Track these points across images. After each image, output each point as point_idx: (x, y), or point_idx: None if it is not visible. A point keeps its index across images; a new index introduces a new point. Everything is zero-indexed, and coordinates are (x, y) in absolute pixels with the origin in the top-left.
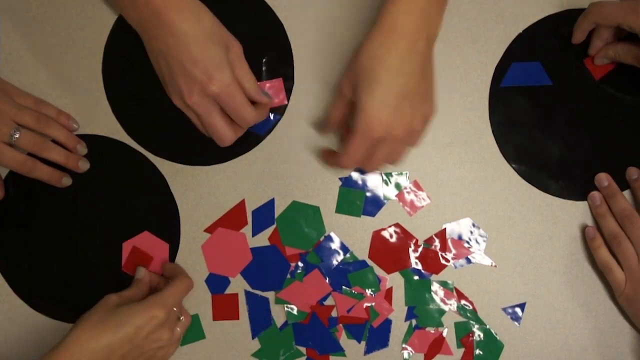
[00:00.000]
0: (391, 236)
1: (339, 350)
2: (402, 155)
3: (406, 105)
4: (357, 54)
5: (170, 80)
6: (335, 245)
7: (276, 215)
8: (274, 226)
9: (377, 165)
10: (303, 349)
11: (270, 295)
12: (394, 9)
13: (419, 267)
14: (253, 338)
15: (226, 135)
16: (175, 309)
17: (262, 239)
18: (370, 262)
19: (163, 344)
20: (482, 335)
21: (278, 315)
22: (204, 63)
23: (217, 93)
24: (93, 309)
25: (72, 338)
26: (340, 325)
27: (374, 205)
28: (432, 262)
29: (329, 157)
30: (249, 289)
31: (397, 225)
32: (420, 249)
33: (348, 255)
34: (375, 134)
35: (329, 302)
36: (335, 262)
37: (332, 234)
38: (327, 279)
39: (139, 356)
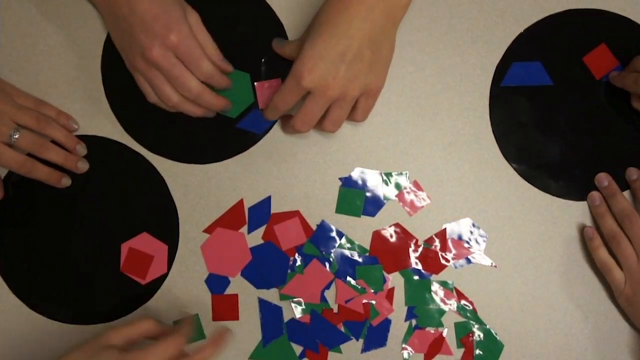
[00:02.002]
0: (391, 236)
1: (346, 340)
2: (335, 118)
3: (342, 67)
4: (319, 9)
5: (130, 41)
6: (330, 232)
7: None
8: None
9: (303, 121)
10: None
11: (275, 298)
12: None
13: (419, 267)
14: (264, 346)
15: (192, 82)
16: None
17: (257, 237)
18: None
19: None
20: (482, 335)
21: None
22: (165, 17)
23: (176, 43)
24: (87, 342)
25: None
26: (341, 323)
27: (374, 205)
28: (432, 262)
29: (268, 109)
30: (251, 289)
31: (397, 225)
32: (420, 249)
33: (344, 240)
34: (303, 82)
35: (332, 290)
36: (332, 249)
37: (325, 222)
38: (329, 265)
39: None
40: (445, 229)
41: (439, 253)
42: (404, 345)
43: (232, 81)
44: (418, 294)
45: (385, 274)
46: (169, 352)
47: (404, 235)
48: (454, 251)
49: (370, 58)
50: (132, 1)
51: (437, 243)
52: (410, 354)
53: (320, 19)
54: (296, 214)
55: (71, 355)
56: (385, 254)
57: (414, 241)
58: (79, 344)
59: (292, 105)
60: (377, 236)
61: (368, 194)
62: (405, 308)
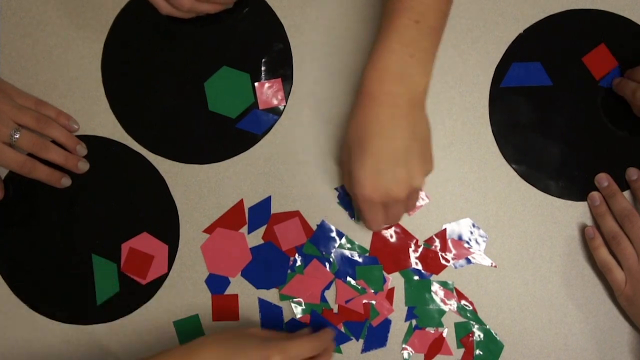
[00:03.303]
0: (391, 236)
1: (346, 340)
2: (412, 207)
3: (401, 168)
4: (347, 127)
5: None
6: (330, 232)
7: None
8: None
9: (395, 221)
10: None
11: (275, 298)
12: (370, 75)
13: (419, 267)
14: None
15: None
16: None
17: (258, 237)
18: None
19: None
20: (482, 336)
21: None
22: None
23: None
24: (229, 329)
25: (197, 344)
26: (341, 323)
27: None
28: (432, 262)
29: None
30: (251, 289)
31: (397, 225)
32: (420, 249)
33: (344, 240)
34: (375, 200)
35: (332, 290)
36: (332, 249)
37: (325, 222)
38: (329, 266)
39: None
40: (445, 229)
41: (439, 253)
42: (404, 346)
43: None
44: (418, 294)
45: (385, 274)
46: (306, 349)
47: (404, 235)
48: (454, 251)
49: (418, 147)
50: None
51: (437, 243)
52: (411, 354)
53: (353, 140)
54: (296, 214)
55: (215, 337)
56: (385, 254)
57: (414, 241)
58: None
59: (384, 219)
60: (377, 236)
61: None
62: (405, 308)
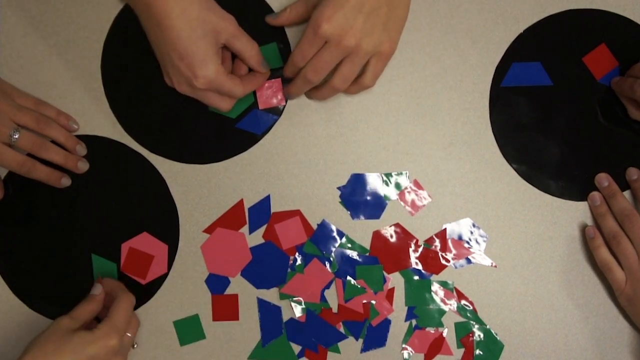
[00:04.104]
0: (391, 236)
1: (343, 338)
2: (345, 74)
3: (359, 19)
4: None
5: (163, 65)
6: (331, 232)
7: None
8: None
9: (315, 70)
10: (297, 349)
11: (275, 298)
12: None
13: (419, 267)
14: (263, 346)
15: (223, 105)
16: (129, 334)
17: (259, 236)
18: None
19: None
20: (482, 335)
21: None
22: (188, 59)
23: (203, 89)
24: (45, 334)
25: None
26: (340, 322)
27: (377, 207)
28: (432, 262)
29: (287, 66)
30: (251, 289)
31: (397, 225)
32: (420, 249)
33: (344, 239)
34: (321, 29)
35: (332, 290)
36: (333, 248)
37: (326, 221)
38: (329, 265)
39: None
40: (445, 229)
41: (439, 253)
42: (404, 346)
43: (267, 73)
44: (418, 294)
45: (385, 274)
46: (127, 308)
47: (404, 235)
48: (454, 251)
49: (387, 15)
50: (158, 31)
51: (437, 243)
52: (411, 354)
53: None
54: (297, 213)
55: (36, 348)
56: (386, 254)
57: (414, 241)
58: (35, 338)
59: (309, 58)
60: (377, 236)
61: (369, 198)
62: (406, 308)
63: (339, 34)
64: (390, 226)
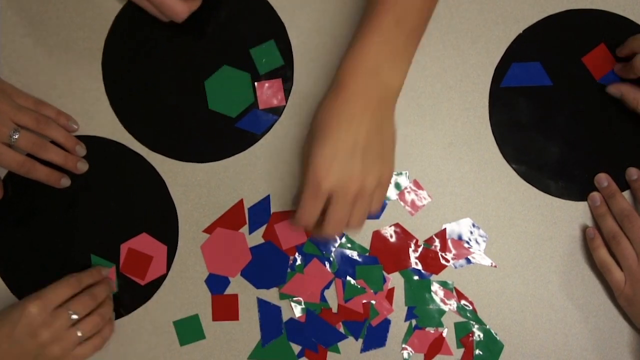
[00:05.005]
0: (391, 236)
1: (343, 338)
2: (359, 217)
3: (357, 162)
4: (315, 111)
5: None
6: None
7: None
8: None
9: (334, 226)
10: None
11: (275, 298)
12: (346, 67)
13: (419, 267)
14: (263, 346)
15: (176, 7)
16: (70, 312)
17: (259, 237)
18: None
19: (44, 341)
20: (482, 335)
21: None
22: None
23: None
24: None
25: None
26: (340, 322)
27: None
28: (432, 262)
29: (291, 217)
30: (251, 289)
31: (397, 225)
32: (420, 249)
33: (344, 239)
34: (323, 186)
35: (332, 290)
36: (333, 248)
37: None
38: (329, 265)
39: (22, 354)
40: (445, 229)
41: (439, 253)
42: (404, 345)
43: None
44: (418, 294)
45: (385, 274)
46: (63, 289)
47: (404, 235)
48: (454, 251)
49: (379, 147)
50: None
51: (437, 243)
52: (410, 354)
53: (319, 125)
54: None
55: None
56: (385, 254)
57: (414, 241)
58: None
59: (317, 216)
60: (377, 236)
61: None
62: (405, 308)
63: (342, 185)
64: (390, 226)
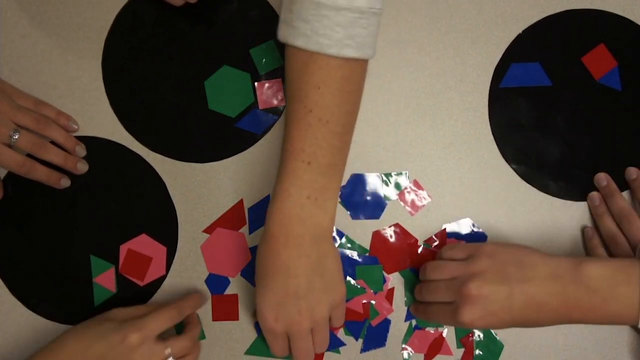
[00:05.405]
0: (391, 236)
1: (341, 345)
2: (321, 343)
3: (302, 303)
4: (256, 257)
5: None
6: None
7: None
8: None
9: (303, 357)
10: None
11: None
12: (272, 217)
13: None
14: (262, 341)
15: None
16: (167, 347)
17: (259, 237)
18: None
19: None
20: (482, 335)
21: None
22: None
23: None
24: (94, 318)
25: (61, 337)
26: None
27: (377, 207)
28: None
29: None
30: (251, 289)
31: (397, 225)
32: (420, 250)
33: (344, 239)
34: (276, 330)
35: None
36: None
37: None
38: None
39: None
40: (445, 229)
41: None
42: (403, 346)
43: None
44: None
45: (385, 274)
46: (163, 321)
47: (404, 236)
48: None
49: (321, 282)
50: None
51: (437, 243)
52: (410, 354)
53: (259, 274)
54: None
55: (76, 328)
56: (385, 254)
57: (413, 241)
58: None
59: (288, 347)
60: (377, 236)
61: (369, 198)
62: (405, 308)
63: (293, 326)
64: (390, 226)
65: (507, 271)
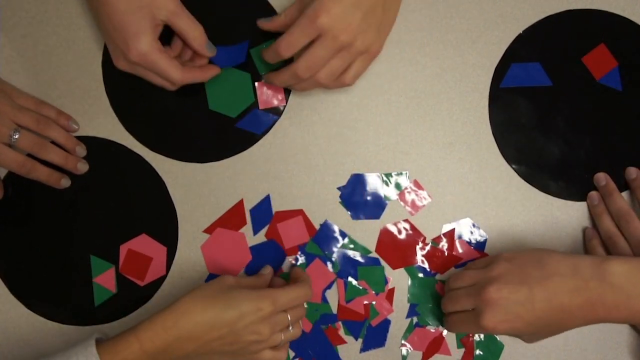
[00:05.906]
0: (399, 232)
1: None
2: (331, 72)
3: (357, 16)
4: None
5: (107, 43)
6: (333, 232)
7: None
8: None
9: (305, 66)
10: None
11: None
12: None
13: (425, 265)
14: None
15: (166, 85)
16: (288, 315)
17: (262, 237)
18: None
19: (260, 338)
20: (482, 336)
21: None
22: (123, 31)
23: (137, 62)
24: (207, 284)
25: (181, 305)
26: (339, 322)
27: (377, 207)
28: (438, 261)
29: (268, 51)
30: None
31: (406, 221)
32: (427, 248)
33: (347, 240)
34: (318, 21)
35: (333, 290)
36: (335, 249)
37: (328, 221)
38: (331, 265)
39: (233, 343)
40: (454, 229)
41: (446, 253)
42: (403, 342)
43: (218, 70)
44: (421, 291)
45: (387, 275)
46: (293, 298)
47: (413, 232)
48: (460, 251)
49: (381, 16)
50: (98, 6)
51: (444, 242)
52: (409, 350)
53: None
54: (300, 212)
55: (196, 293)
56: (393, 249)
57: (421, 239)
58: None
59: (298, 50)
60: (385, 231)
61: (369, 198)
62: (407, 305)
63: (337, 27)
64: (399, 222)
65: (526, 272)
